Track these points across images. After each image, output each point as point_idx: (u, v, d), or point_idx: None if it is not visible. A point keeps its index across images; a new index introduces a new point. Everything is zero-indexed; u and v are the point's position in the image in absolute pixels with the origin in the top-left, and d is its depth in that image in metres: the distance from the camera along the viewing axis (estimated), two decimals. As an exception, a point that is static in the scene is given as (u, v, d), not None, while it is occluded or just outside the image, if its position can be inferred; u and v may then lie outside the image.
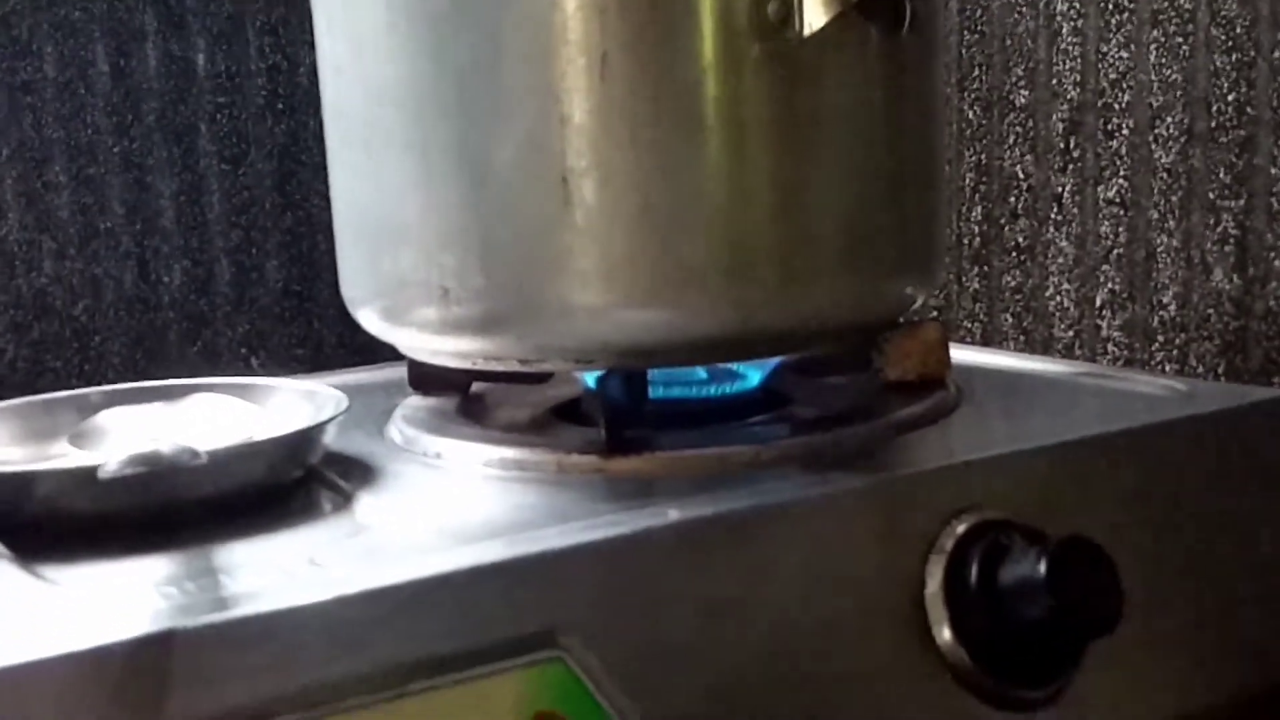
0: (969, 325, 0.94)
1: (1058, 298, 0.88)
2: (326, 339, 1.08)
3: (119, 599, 0.42)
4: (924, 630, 0.49)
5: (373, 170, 0.56)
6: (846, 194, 0.55)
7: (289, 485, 0.54)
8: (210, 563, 0.45)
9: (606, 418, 0.55)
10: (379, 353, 0.65)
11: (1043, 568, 0.47)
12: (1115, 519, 0.54)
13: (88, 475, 0.47)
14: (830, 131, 0.54)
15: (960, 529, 0.50)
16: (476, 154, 0.53)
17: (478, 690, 0.41)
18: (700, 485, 0.51)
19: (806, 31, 0.52)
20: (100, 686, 0.37)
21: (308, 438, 0.54)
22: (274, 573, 0.43)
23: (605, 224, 0.52)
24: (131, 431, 0.57)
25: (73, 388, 0.98)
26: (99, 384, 0.99)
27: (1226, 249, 0.78)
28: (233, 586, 0.42)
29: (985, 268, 0.93)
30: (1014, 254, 0.91)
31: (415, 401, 0.66)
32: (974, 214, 0.93)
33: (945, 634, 0.49)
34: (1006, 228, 0.92)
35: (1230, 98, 0.77)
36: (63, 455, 0.57)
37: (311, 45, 1.04)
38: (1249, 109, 0.76)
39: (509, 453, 0.56)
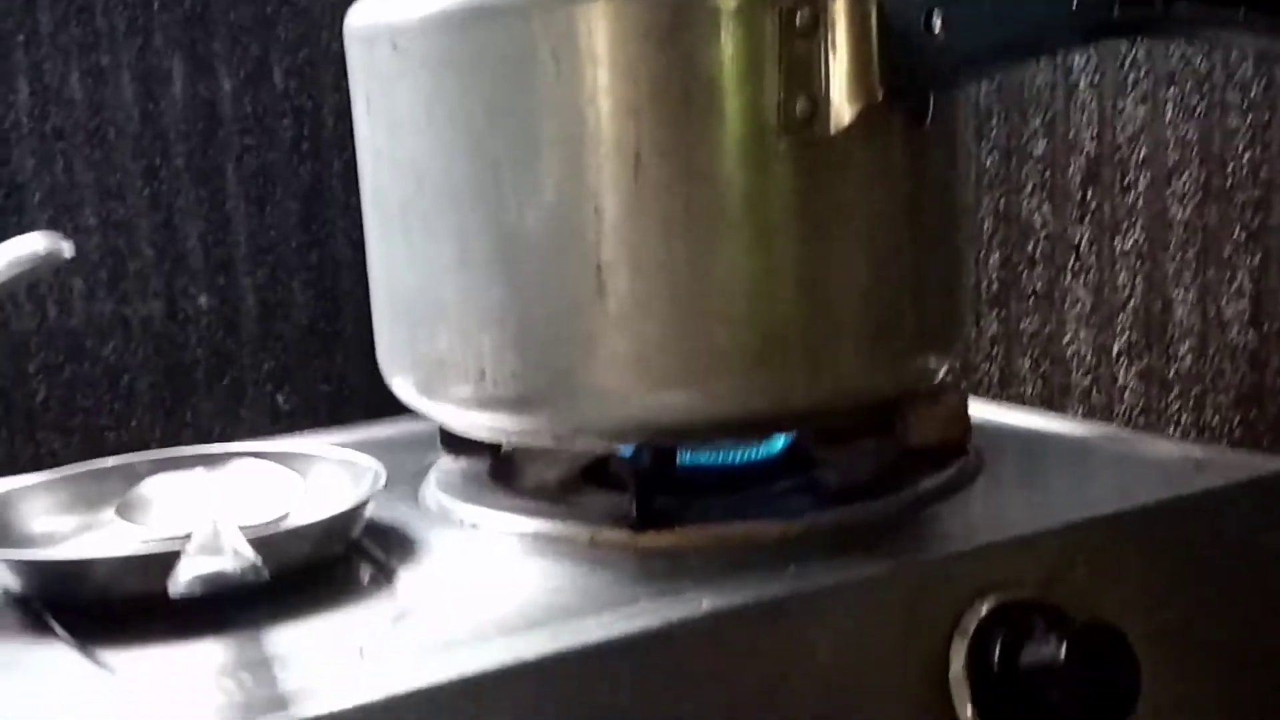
0: (986, 368, 0.96)
1: (1075, 344, 0.90)
2: (350, 374, 1.10)
3: (179, 691, 0.44)
4: (948, 710, 0.51)
5: (411, 252, 0.59)
6: (871, 277, 0.57)
7: (331, 560, 0.56)
8: (262, 651, 0.47)
9: (637, 492, 0.58)
10: None
11: (1063, 652, 0.50)
12: (1133, 595, 0.56)
13: (143, 562, 0.50)
14: (855, 219, 0.56)
15: (983, 610, 0.52)
16: (513, 242, 0.55)
17: (523, 784, 0.43)
18: (730, 564, 0.53)
19: (834, 128, 0.54)
20: (169, 788, 0.39)
21: (351, 517, 0.56)
22: (325, 665, 0.46)
23: (637, 311, 0.55)
24: (176, 501, 0.59)
25: (103, 425, 1.01)
26: (129, 420, 1.02)
27: (1241, 305, 0.80)
28: (288, 681, 0.44)
29: (1003, 312, 0.95)
30: (1031, 300, 0.93)
31: (448, 464, 0.69)
32: (992, 259, 0.95)
33: (968, 714, 0.51)
34: (1024, 273, 0.94)
35: (1245, 158, 0.79)
36: (110, 524, 0.59)
37: (336, 88, 1.07)
38: (1263, 170, 0.78)
39: (543, 525, 0.59)
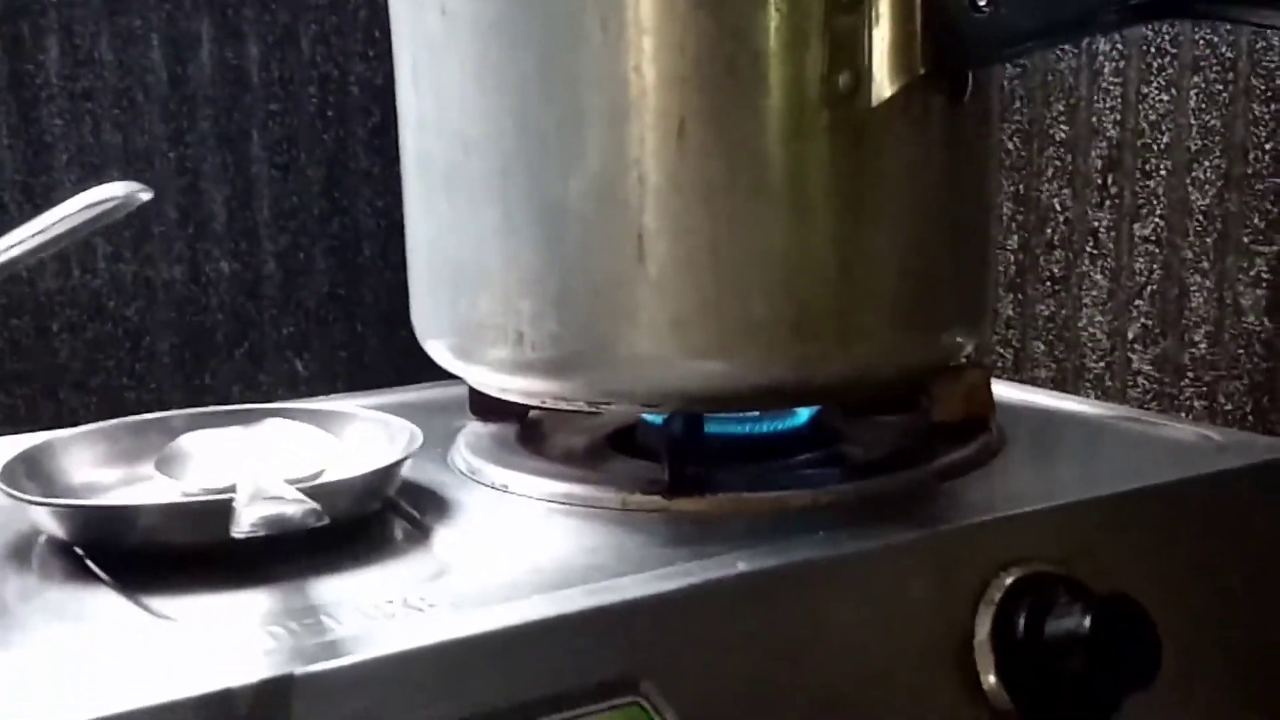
0: (1001, 351, 0.97)
1: (1090, 329, 0.92)
2: (369, 341, 1.11)
3: (231, 638, 0.45)
4: (972, 676, 0.52)
5: (454, 217, 0.59)
6: (905, 252, 0.58)
7: (367, 516, 0.57)
8: (309, 600, 0.48)
9: (669, 459, 0.59)
10: (418, 356, 0.67)
11: (1086, 623, 0.51)
12: (1153, 570, 0.57)
13: (193, 511, 0.51)
14: (891, 194, 0.57)
15: (1008, 581, 0.53)
16: (556, 208, 0.56)
17: (564, 733, 0.44)
18: (760, 530, 0.54)
19: (875, 101, 0.55)
20: (224, 726, 0.40)
21: (388, 474, 0.57)
22: (372, 616, 0.47)
23: (676, 279, 0.55)
24: (213, 456, 0.60)
25: (123, 385, 1.02)
26: (149, 382, 1.03)
27: (1259, 292, 0.81)
28: (337, 629, 0.45)
29: (1019, 296, 0.96)
30: (1048, 284, 0.94)
31: (476, 428, 0.69)
32: (1010, 242, 0.96)
33: (991, 680, 0.52)
34: (1042, 258, 0.95)
35: (1268, 146, 0.80)
36: (149, 479, 0.60)
37: (363, 56, 1.07)
38: (1286, 158, 0.79)
39: (574, 489, 0.60)
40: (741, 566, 0.50)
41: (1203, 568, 0.59)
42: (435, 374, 0.66)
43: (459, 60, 0.57)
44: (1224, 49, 0.81)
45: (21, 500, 0.53)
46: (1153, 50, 0.85)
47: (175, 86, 1.01)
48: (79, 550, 0.54)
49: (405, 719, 0.42)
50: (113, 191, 0.44)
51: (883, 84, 0.54)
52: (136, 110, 1.00)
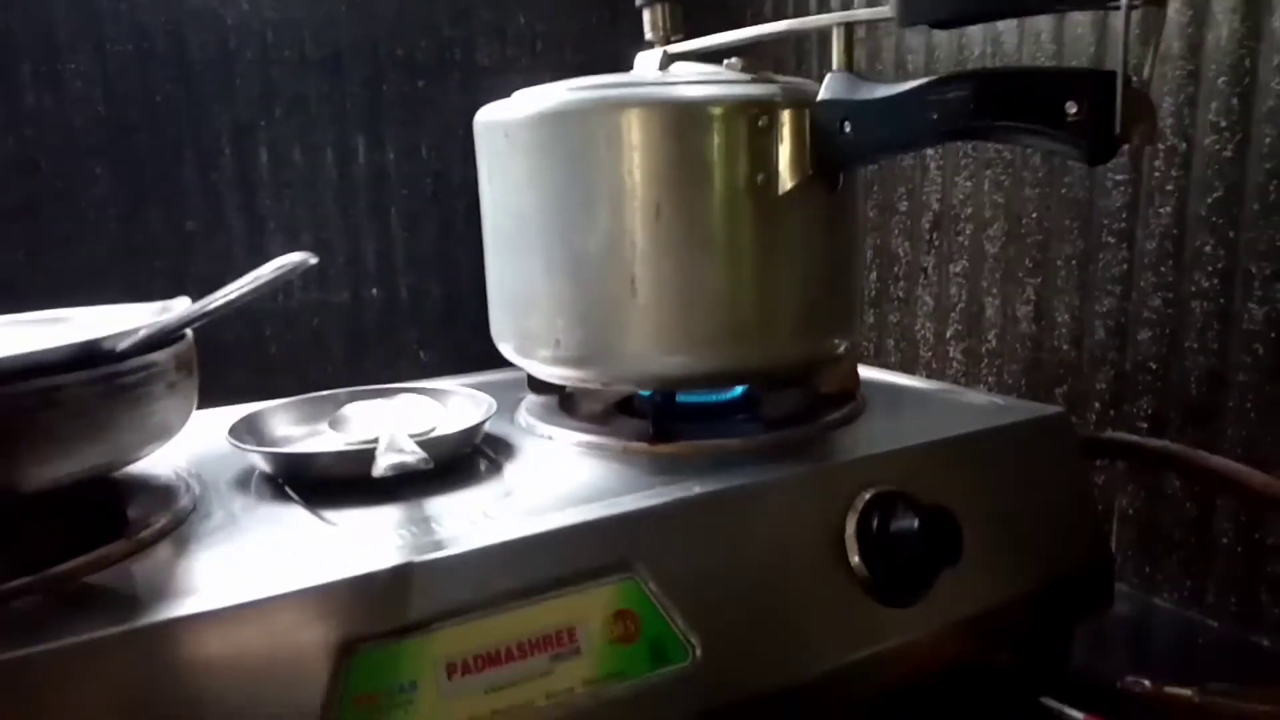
0: (867, 345, 0.97)
1: (923, 332, 0.91)
2: (471, 342, 1.09)
3: (374, 537, 0.45)
4: (844, 558, 0.52)
5: (515, 265, 0.59)
6: (802, 288, 0.57)
7: (462, 457, 0.57)
8: (424, 513, 0.48)
9: (653, 419, 0.58)
10: (496, 353, 0.66)
11: (916, 524, 0.50)
12: (960, 489, 0.56)
13: (350, 456, 0.51)
14: (794, 250, 0.56)
15: (866, 497, 0.53)
16: (579, 260, 0.55)
17: (583, 596, 0.44)
18: (711, 465, 0.54)
19: (781, 192, 0.54)
20: (368, 597, 0.40)
21: (476, 430, 0.56)
22: (464, 523, 0.46)
23: (655, 306, 0.55)
24: (365, 419, 0.59)
25: (309, 372, 1.02)
26: (325, 368, 1.03)
27: (1027, 309, 0.81)
28: (441, 532, 0.45)
29: (877, 310, 0.96)
30: (895, 303, 0.94)
31: (533, 398, 0.69)
32: (871, 277, 0.95)
33: (856, 560, 0.52)
34: (891, 286, 0.94)
35: (1034, 215, 0.79)
36: (323, 433, 0.60)
37: (462, 159, 1.06)
38: (1045, 223, 0.78)
39: (593, 438, 0.59)
40: (696, 489, 0.49)
41: (992, 488, 0.58)
42: (507, 363, 0.66)
43: (516, 166, 0.57)
44: (1007, 153, 0.80)
45: (243, 450, 0.53)
46: (961, 154, 0.84)
47: (342, 179, 1.01)
48: (280, 481, 0.53)
49: (484, 589, 0.42)
50: (291, 259, 0.43)
51: (785, 180, 0.54)
52: (318, 195, 1.00)
